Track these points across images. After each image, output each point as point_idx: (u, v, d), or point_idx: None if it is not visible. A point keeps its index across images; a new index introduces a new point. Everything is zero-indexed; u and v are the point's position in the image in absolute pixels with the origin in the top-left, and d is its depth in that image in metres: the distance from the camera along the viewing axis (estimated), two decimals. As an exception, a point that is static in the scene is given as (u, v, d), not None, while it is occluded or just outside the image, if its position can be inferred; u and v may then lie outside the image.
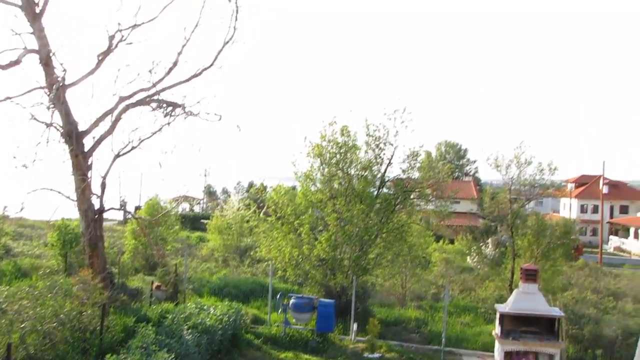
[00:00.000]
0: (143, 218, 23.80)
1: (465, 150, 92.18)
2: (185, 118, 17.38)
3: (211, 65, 17.58)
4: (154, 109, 17.43)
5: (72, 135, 16.20)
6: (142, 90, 17.34)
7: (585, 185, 75.20)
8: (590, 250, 57.01)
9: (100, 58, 16.81)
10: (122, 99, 17.04)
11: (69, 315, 11.76)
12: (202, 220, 48.55)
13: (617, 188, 73.16)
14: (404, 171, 22.00)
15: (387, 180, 22.23)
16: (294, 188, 24.96)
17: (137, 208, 47.43)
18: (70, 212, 19.24)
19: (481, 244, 33.50)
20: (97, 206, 16.83)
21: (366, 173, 21.29)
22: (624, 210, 73.65)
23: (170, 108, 17.33)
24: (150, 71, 17.25)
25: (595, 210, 69.61)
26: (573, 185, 76.36)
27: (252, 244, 33.07)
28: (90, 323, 12.23)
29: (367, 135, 21.31)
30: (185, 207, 66.57)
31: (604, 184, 58.30)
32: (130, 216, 25.98)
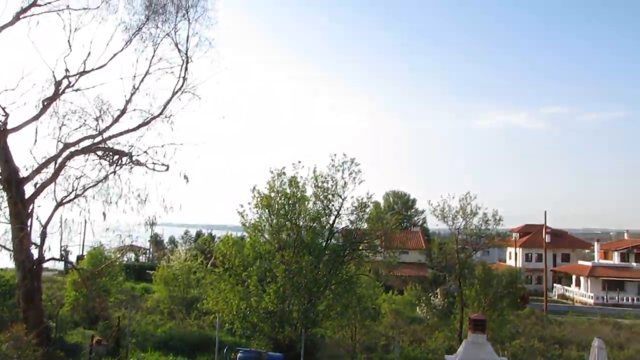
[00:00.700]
0: (84, 269, 22.98)
1: (414, 201, 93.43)
2: (131, 167, 17.12)
3: (160, 114, 17.52)
4: (100, 157, 17.12)
5: (12, 182, 15.70)
6: (88, 137, 17.05)
7: (529, 234, 77.30)
8: (536, 298, 58.16)
9: (45, 103, 16.50)
10: (66, 146, 16.71)
11: (-3, 376, 11.08)
12: (147, 271, 47.17)
13: (559, 237, 75.61)
14: (352, 222, 22.13)
15: (336, 231, 22.28)
16: (242, 238, 24.67)
17: (80, 258, 45.79)
18: (5, 262, 18.42)
19: (430, 294, 33.69)
20: (35, 256, 16.21)
21: (315, 224, 21.31)
22: (566, 258, 75.92)
23: (116, 156, 17.06)
24: (97, 119, 17.05)
25: (539, 258, 71.32)
26: (518, 234, 78.36)
27: (199, 296, 32.22)
28: (21, 383, 11.55)
29: (315, 186, 21.44)
30: (130, 257, 64.64)
31: (546, 233, 60.01)
32: (71, 267, 25.01)
